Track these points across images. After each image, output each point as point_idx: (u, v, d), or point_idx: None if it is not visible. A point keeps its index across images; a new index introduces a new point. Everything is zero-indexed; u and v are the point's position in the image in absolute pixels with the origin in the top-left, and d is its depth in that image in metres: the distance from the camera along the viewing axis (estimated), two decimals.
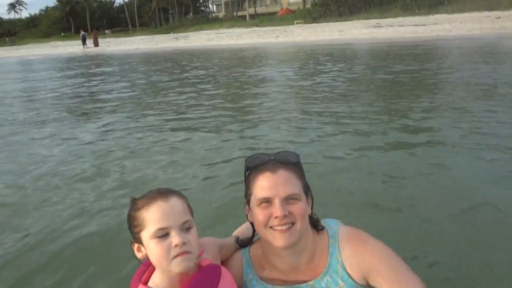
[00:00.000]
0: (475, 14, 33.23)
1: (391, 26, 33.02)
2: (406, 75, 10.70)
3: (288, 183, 1.33)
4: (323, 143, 5.09)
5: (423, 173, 3.90)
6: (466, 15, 33.82)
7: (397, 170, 3.99)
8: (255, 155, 1.38)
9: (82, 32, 47.80)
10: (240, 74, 13.95)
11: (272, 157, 1.36)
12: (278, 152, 1.38)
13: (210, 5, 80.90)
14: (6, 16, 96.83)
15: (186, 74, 14.82)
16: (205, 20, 62.56)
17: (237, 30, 45.79)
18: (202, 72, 15.30)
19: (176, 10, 72.26)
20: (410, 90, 8.66)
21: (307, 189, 1.42)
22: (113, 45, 45.17)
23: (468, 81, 9.30)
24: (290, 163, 1.36)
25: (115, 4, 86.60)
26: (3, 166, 5.01)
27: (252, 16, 61.82)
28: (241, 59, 20.74)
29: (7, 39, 77.10)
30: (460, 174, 3.87)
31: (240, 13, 65.90)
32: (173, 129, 6.29)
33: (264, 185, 1.32)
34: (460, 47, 18.58)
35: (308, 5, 56.39)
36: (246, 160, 1.38)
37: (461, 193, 3.42)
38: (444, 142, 4.86)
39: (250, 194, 1.38)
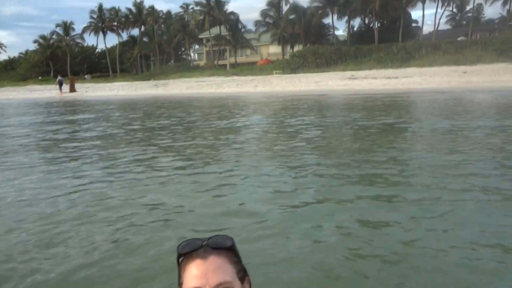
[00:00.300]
0: (444, 68, 34.77)
1: (365, 78, 34.13)
2: (376, 128, 10.92)
3: (219, 270, 1.25)
4: (284, 199, 5.09)
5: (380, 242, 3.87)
6: (436, 69, 35.35)
7: (356, 234, 3.95)
8: (187, 241, 1.31)
9: (59, 77, 47.89)
10: (214, 124, 14.03)
11: (205, 242, 1.28)
12: (211, 237, 1.31)
13: (192, 54, 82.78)
14: None
15: (159, 123, 14.81)
16: (186, 68, 63.64)
17: (217, 79, 46.56)
18: (175, 120, 15.32)
19: (158, 58, 73.46)
20: (378, 143, 8.76)
21: (243, 275, 1.33)
22: (92, 90, 45.23)
23: (435, 134, 9.55)
24: (223, 248, 1.29)
25: (97, 50, 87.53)
26: None
27: (233, 65, 63.24)
28: (218, 108, 20.94)
29: None
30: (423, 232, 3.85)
31: (221, 62, 67.40)
32: (127, 185, 6.10)
33: (194, 273, 1.25)
34: (429, 99, 19.21)
35: (287, 56, 58.12)
36: (178, 246, 1.31)
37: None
38: (405, 197, 4.88)
39: (182, 283, 1.29)
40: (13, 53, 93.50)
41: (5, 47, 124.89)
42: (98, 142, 10.75)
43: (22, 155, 9.17)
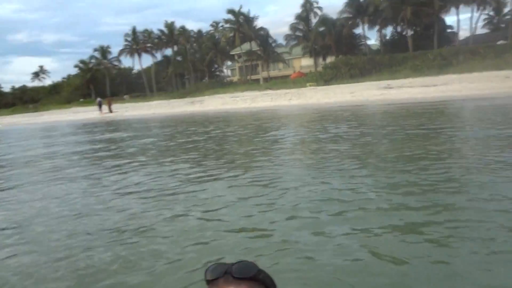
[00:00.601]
0: (484, 74, 33.75)
1: (402, 87, 33.64)
2: (419, 137, 10.73)
3: None
4: (326, 213, 5.07)
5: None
6: (476, 74, 34.36)
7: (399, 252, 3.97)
8: (212, 266, 1.22)
9: (98, 99, 50.37)
10: (250, 137, 14.21)
11: (229, 269, 1.19)
12: (234, 264, 1.20)
13: (225, 70, 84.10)
14: (30, 84, 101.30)
15: (196, 138, 15.15)
16: (219, 84, 64.61)
17: (251, 94, 47.03)
18: (212, 135, 15.62)
19: (192, 75, 75.02)
20: (418, 156, 8.34)
21: None
22: (131, 110, 46.62)
23: (483, 143, 9.31)
24: (244, 278, 1.17)
25: (133, 71, 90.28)
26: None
27: (266, 80, 63.79)
28: (254, 122, 21.12)
29: (30, 106, 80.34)
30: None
31: (254, 77, 68.14)
32: (166, 202, 6.27)
33: None
34: (472, 107, 18.74)
35: (320, 68, 58.10)
36: (205, 270, 1.23)
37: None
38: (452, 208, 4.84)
39: None
40: (56, 78, 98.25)
41: (49, 72, 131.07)
42: (135, 158, 11.19)
43: (68, 170, 9.76)
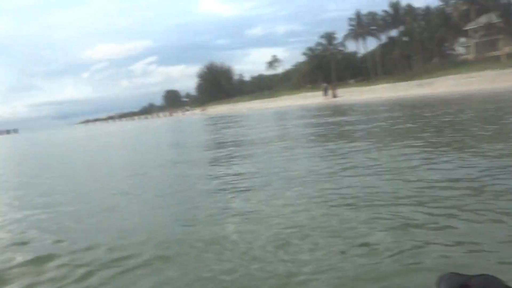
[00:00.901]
0: None
1: None
2: None
3: None
4: None
5: None
6: None
7: None
8: (447, 276, 1.10)
9: (324, 84, 53.36)
10: (484, 122, 12.81)
11: (468, 282, 1.04)
12: (474, 276, 1.04)
13: (457, 48, 76.45)
14: (265, 73, 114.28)
15: (425, 121, 14.48)
16: (451, 64, 59.12)
17: (490, 73, 41.73)
18: (441, 119, 14.62)
19: (421, 56, 70.93)
20: None
21: None
22: (356, 94, 47.51)
23: None
24: None
25: (358, 55, 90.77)
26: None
27: (509, 56, 55.35)
28: (491, 106, 18.73)
29: (266, 92, 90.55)
30: None
31: (493, 53, 59.99)
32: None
33: None
34: None
35: None
36: (438, 279, 1.12)
37: None
38: None
39: None
40: (287, 66, 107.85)
41: (281, 61, 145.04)
42: (360, 141, 11.31)
43: (298, 151, 10.73)
